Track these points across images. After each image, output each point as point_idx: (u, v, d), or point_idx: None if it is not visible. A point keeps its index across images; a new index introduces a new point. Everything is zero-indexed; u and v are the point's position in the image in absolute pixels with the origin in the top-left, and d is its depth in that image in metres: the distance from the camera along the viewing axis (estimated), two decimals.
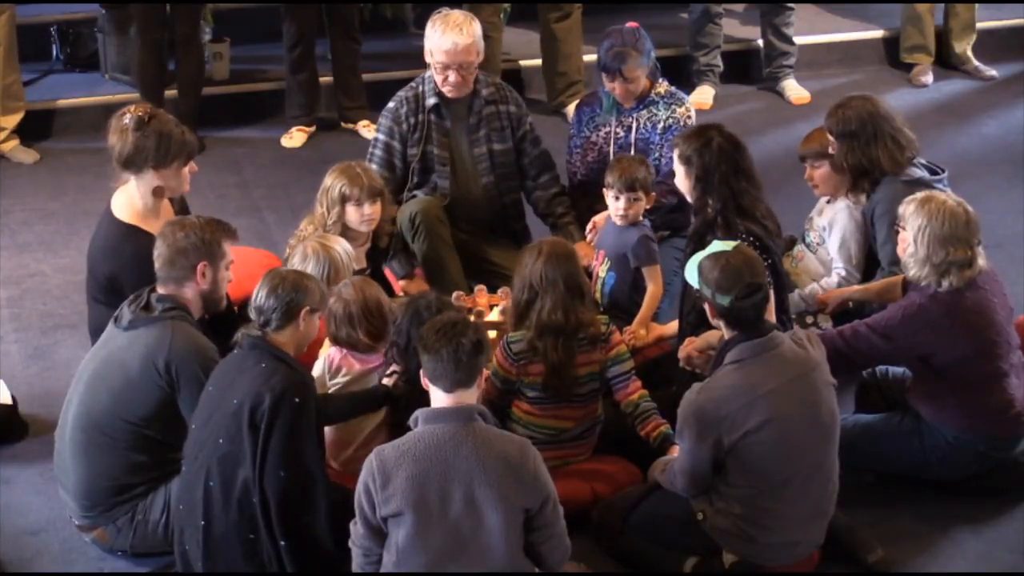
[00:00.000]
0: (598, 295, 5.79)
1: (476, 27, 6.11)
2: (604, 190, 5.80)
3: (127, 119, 5.32)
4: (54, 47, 8.79)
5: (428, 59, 6.13)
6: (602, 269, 5.84)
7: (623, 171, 5.71)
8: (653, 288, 5.74)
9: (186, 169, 5.41)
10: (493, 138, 6.26)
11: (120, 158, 5.33)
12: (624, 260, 5.75)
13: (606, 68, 6.18)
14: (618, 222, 5.79)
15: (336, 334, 5.07)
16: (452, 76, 6.09)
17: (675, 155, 5.41)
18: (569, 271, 5.05)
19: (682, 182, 5.43)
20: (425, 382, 4.33)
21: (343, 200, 5.70)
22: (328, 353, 5.12)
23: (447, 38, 6.03)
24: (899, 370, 5.45)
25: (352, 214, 5.74)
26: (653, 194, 5.79)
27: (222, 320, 5.12)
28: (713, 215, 5.26)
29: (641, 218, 5.78)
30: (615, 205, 5.74)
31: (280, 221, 7.19)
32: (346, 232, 5.70)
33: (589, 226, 6.06)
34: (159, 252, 4.92)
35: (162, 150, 5.30)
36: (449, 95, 6.15)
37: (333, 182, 5.72)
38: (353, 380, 5.06)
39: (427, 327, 4.37)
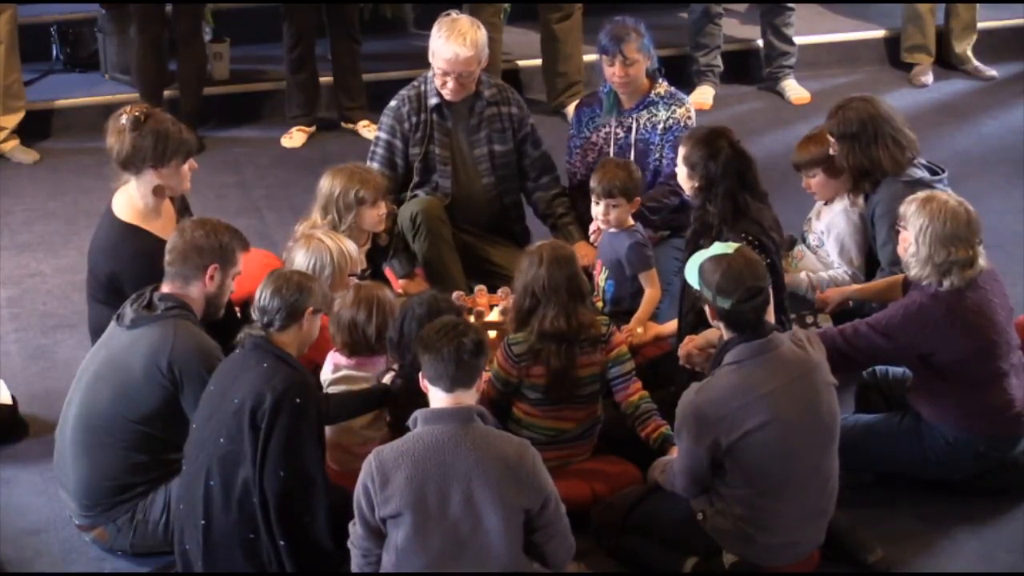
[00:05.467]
0: (600, 303, 5.78)
1: (481, 36, 6.05)
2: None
3: (124, 120, 5.31)
4: (54, 47, 8.76)
5: (430, 60, 6.12)
6: (601, 278, 5.83)
7: (603, 177, 5.65)
8: (650, 292, 5.72)
9: (186, 167, 5.39)
10: (494, 139, 6.24)
11: (119, 159, 5.33)
12: (620, 267, 5.74)
13: (606, 49, 6.13)
14: (602, 226, 5.77)
15: (337, 337, 5.07)
16: (451, 83, 6.07)
17: (680, 155, 5.40)
18: (570, 275, 5.04)
19: (684, 182, 5.43)
20: (424, 384, 4.32)
21: (359, 203, 5.66)
22: (332, 355, 5.12)
23: (449, 47, 5.98)
24: (899, 370, 5.45)
25: (369, 216, 5.70)
26: (638, 199, 5.74)
27: (223, 321, 5.12)
28: (712, 222, 5.26)
29: (633, 223, 5.76)
30: (595, 210, 5.72)
31: (280, 221, 7.18)
32: (352, 235, 5.66)
33: (593, 227, 5.99)
34: (173, 245, 4.92)
35: (160, 149, 5.29)
36: (447, 99, 6.14)
37: (344, 187, 5.65)
38: (354, 381, 5.06)
39: (428, 327, 4.37)
